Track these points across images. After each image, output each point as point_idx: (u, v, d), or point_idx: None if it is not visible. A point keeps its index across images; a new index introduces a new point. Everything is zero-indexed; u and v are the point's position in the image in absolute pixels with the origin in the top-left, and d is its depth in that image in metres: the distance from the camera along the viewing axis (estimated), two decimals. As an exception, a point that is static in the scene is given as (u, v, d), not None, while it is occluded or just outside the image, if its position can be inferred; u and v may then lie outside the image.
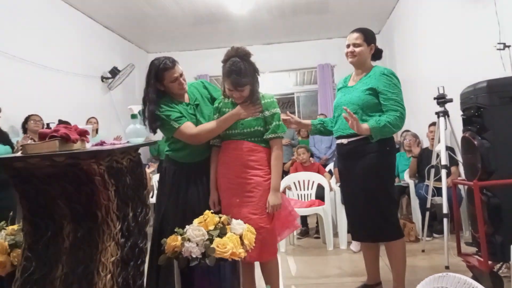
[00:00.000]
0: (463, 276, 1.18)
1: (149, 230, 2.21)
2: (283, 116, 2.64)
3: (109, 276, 1.70)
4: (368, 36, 2.66)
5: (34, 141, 3.70)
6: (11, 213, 3.81)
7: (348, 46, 2.67)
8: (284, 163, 5.35)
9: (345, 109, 2.41)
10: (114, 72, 6.59)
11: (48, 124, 4.03)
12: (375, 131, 2.43)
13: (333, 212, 4.60)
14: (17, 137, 4.27)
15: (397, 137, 6.01)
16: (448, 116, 3.74)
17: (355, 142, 2.59)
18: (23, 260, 1.83)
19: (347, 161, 2.68)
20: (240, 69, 2.32)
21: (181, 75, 2.45)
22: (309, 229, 5.10)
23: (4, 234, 2.14)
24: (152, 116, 2.39)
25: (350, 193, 2.74)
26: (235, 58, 2.36)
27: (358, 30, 2.68)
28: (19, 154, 1.82)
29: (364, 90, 2.57)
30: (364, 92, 2.57)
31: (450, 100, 3.67)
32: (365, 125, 2.42)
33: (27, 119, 4.37)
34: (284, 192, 4.58)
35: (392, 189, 2.73)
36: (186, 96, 2.56)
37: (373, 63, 2.75)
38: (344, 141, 2.65)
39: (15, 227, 2.19)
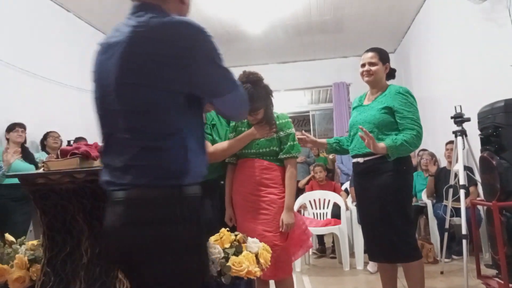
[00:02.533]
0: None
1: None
2: (298, 135, 2.65)
3: (126, 292, 1.71)
4: (382, 55, 2.67)
5: (53, 157, 3.79)
6: (30, 229, 3.90)
7: (363, 65, 2.67)
8: (298, 181, 5.34)
9: (361, 128, 2.41)
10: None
11: (69, 141, 4.14)
12: (392, 150, 2.42)
13: (350, 231, 4.55)
14: (36, 153, 4.37)
15: (414, 156, 5.96)
16: (466, 135, 3.70)
17: (371, 161, 2.57)
18: (42, 275, 1.85)
19: (363, 180, 2.66)
20: (252, 96, 2.33)
21: None
22: (326, 248, 5.05)
23: (24, 249, 2.17)
24: None
25: (366, 212, 2.71)
26: (247, 85, 2.35)
27: (372, 49, 2.70)
28: (41, 170, 1.87)
29: (379, 109, 2.57)
30: (379, 111, 2.56)
31: (468, 119, 3.64)
32: (381, 144, 2.41)
33: (46, 136, 4.47)
34: (298, 211, 4.56)
35: (409, 209, 2.68)
36: (203, 115, 2.59)
37: (388, 82, 2.75)
38: (360, 160, 2.63)
39: (35, 242, 2.22)
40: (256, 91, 2.35)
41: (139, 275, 1.17)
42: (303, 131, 2.83)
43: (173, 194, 1.16)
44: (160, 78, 1.15)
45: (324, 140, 2.95)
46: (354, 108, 2.87)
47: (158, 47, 1.15)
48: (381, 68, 2.65)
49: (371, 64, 2.64)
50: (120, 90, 1.18)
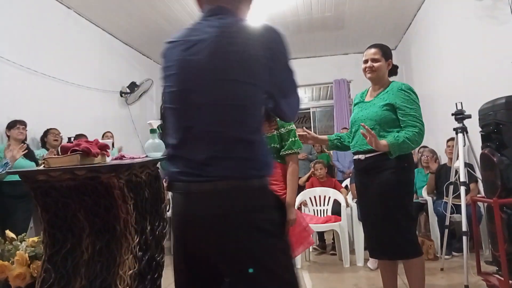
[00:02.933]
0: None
1: (166, 243, 2.22)
2: (299, 132, 2.64)
3: (126, 289, 1.72)
4: (385, 52, 2.66)
5: (54, 154, 3.80)
6: (31, 225, 3.91)
7: (366, 61, 2.66)
8: (300, 177, 5.34)
9: (363, 125, 2.40)
10: (133, 87, 6.71)
11: (69, 138, 4.14)
12: (394, 148, 2.40)
13: (350, 228, 4.55)
14: (37, 150, 4.37)
15: (415, 153, 5.96)
16: (467, 132, 3.69)
17: (372, 158, 2.56)
18: (42, 271, 1.86)
19: (364, 177, 2.66)
20: None
21: None
22: (326, 245, 5.06)
23: (25, 245, 2.18)
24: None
25: (367, 209, 2.70)
26: None
27: (375, 45, 2.68)
28: (41, 167, 1.87)
29: (381, 105, 2.56)
30: (381, 108, 2.56)
31: (469, 116, 3.63)
32: (383, 142, 2.40)
33: (46, 133, 4.47)
34: (299, 208, 4.56)
35: (410, 206, 2.68)
36: None
37: (390, 79, 2.75)
38: (361, 156, 2.62)
39: (35, 239, 2.23)
40: None
41: (237, 261, 1.23)
42: (304, 128, 2.83)
43: (264, 184, 1.28)
44: (253, 75, 1.24)
45: (325, 137, 2.94)
46: (355, 104, 2.86)
47: (249, 47, 1.24)
48: (384, 65, 2.64)
49: (373, 60, 2.62)
50: (214, 85, 1.24)
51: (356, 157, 2.70)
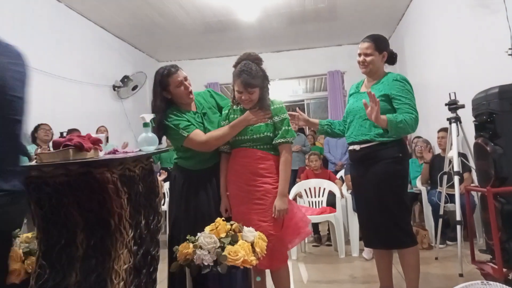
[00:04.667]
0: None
1: (161, 237, 2.22)
2: (291, 112, 2.66)
3: (122, 283, 1.71)
4: (379, 44, 2.64)
5: (45, 150, 3.76)
6: (24, 221, 3.88)
7: (359, 55, 2.66)
8: (295, 170, 5.34)
9: (369, 93, 2.37)
10: (125, 80, 6.67)
11: (62, 133, 4.10)
12: (391, 124, 2.39)
13: (345, 219, 4.57)
14: (28, 145, 4.33)
15: (409, 144, 5.97)
16: (460, 122, 3.71)
17: (368, 149, 2.57)
18: (37, 267, 1.85)
19: (359, 168, 2.67)
20: (251, 70, 2.34)
21: (185, 79, 2.48)
22: (321, 236, 5.07)
23: (19, 242, 2.17)
24: (159, 125, 2.42)
25: (362, 199, 2.72)
26: (246, 61, 2.38)
27: (369, 39, 2.66)
28: (33, 163, 1.85)
29: (377, 96, 2.57)
30: (377, 98, 2.56)
31: (462, 106, 3.65)
32: (383, 116, 2.38)
33: (36, 128, 4.42)
34: (294, 199, 4.56)
35: (405, 195, 2.71)
36: (193, 105, 2.58)
37: (389, 67, 2.73)
38: (357, 147, 2.63)
39: (29, 235, 2.21)
40: (255, 68, 2.36)
41: None
42: (297, 108, 2.83)
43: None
44: None
45: (316, 120, 2.93)
46: (350, 95, 2.86)
47: None
48: (377, 58, 2.63)
49: (366, 54, 2.62)
50: None
51: (351, 147, 2.70)
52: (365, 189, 2.64)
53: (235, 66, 2.43)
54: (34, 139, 4.42)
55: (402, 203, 2.60)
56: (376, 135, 2.54)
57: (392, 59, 2.73)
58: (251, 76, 2.33)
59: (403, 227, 2.58)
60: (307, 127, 9.28)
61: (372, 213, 2.61)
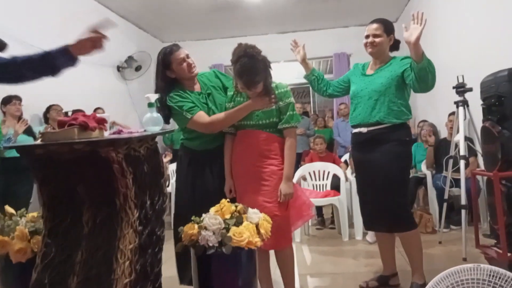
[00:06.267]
0: (495, 268, 1.15)
1: (166, 218, 2.23)
2: (293, 42, 2.90)
3: (127, 263, 1.72)
4: (387, 27, 2.67)
5: (54, 129, 3.78)
6: (30, 201, 3.91)
7: (367, 36, 2.66)
8: (299, 153, 5.34)
9: (414, 14, 2.39)
10: (130, 61, 6.63)
11: (66, 113, 4.10)
12: (426, 59, 2.35)
13: (349, 202, 4.58)
14: (40, 126, 4.34)
15: (414, 127, 5.93)
16: (468, 105, 3.67)
17: (375, 131, 2.58)
18: (43, 246, 1.86)
19: (364, 150, 2.67)
20: (250, 70, 2.29)
21: (187, 56, 2.46)
22: (325, 219, 5.09)
23: (25, 221, 2.18)
24: (163, 106, 2.42)
25: (366, 182, 2.72)
26: (245, 59, 2.30)
27: (377, 20, 2.68)
28: (39, 142, 1.84)
29: (385, 77, 2.59)
30: (385, 79, 2.58)
31: (470, 89, 3.60)
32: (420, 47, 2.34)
33: (48, 109, 4.44)
34: (298, 182, 4.57)
35: (408, 179, 2.76)
36: (197, 85, 2.56)
37: (391, 54, 2.74)
38: (364, 129, 2.63)
39: (35, 214, 2.22)
40: (254, 65, 2.30)
41: None
42: (298, 42, 2.99)
43: None
44: None
45: (311, 65, 3.02)
46: (353, 75, 2.84)
47: None
48: (385, 40, 2.65)
49: (375, 35, 2.63)
50: None
51: (357, 130, 2.69)
52: (371, 171, 2.64)
53: (233, 62, 2.36)
54: (46, 120, 4.44)
55: (405, 186, 2.65)
56: (386, 116, 2.55)
57: (396, 45, 2.74)
58: (252, 76, 2.30)
59: (405, 210, 2.64)
60: (311, 110, 9.27)
61: (377, 196, 2.61)
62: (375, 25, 2.65)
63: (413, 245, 2.63)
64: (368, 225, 2.86)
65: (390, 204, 2.56)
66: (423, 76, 2.37)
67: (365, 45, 2.68)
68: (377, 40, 2.62)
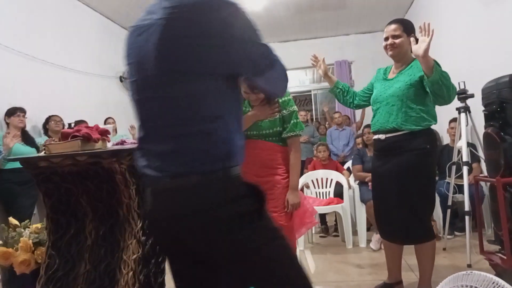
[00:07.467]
0: (488, 274, 1.16)
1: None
2: (313, 57, 2.77)
3: (131, 273, 1.73)
4: (407, 27, 2.52)
5: (55, 141, 3.79)
6: (34, 212, 3.92)
7: (386, 38, 2.52)
8: (302, 161, 5.33)
9: (421, 26, 2.21)
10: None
11: (70, 124, 4.12)
12: (437, 68, 2.20)
13: (352, 210, 4.56)
14: (39, 137, 4.36)
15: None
16: (470, 112, 3.67)
17: (393, 138, 2.45)
18: (47, 257, 1.87)
19: (382, 158, 2.56)
20: None
21: None
22: (328, 227, 5.08)
23: (28, 232, 2.19)
24: None
25: (383, 191, 2.58)
26: None
27: (395, 21, 2.54)
28: (42, 154, 1.86)
29: (405, 82, 2.44)
30: (405, 83, 2.43)
31: (472, 96, 3.60)
32: (431, 58, 2.21)
33: (48, 120, 4.45)
34: (302, 190, 4.56)
35: (431, 189, 2.55)
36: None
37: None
38: (382, 136, 2.51)
39: (39, 225, 2.24)
40: None
41: (215, 260, 1.19)
42: (318, 57, 2.81)
43: (228, 175, 1.18)
44: (198, 62, 1.10)
45: (334, 78, 2.86)
46: (376, 80, 2.72)
47: (191, 29, 1.08)
48: (406, 40, 2.47)
49: (394, 36, 2.49)
50: (162, 77, 1.12)
51: (376, 136, 2.59)
52: (387, 180, 2.51)
53: None
54: (46, 131, 4.45)
55: (426, 198, 2.47)
56: (403, 123, 2.41)
57: None
58: None
59: (424, 223, 2.46)
60: (314, 118, 9.27)
61: (391, 207, 2.50)
62: (393, 26, 2.51)
63: (426, 255, 2.54)
64: (382, 235, 2.75)
65: (405, 217, 2.45)
66: (437, 89, 2.24)
67: (385, 47, 2.54)
68: (397, 41, 2.48)
